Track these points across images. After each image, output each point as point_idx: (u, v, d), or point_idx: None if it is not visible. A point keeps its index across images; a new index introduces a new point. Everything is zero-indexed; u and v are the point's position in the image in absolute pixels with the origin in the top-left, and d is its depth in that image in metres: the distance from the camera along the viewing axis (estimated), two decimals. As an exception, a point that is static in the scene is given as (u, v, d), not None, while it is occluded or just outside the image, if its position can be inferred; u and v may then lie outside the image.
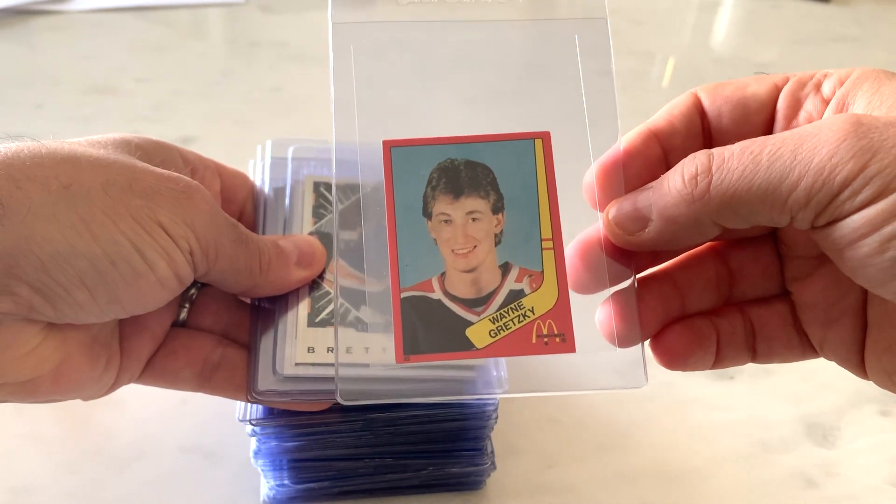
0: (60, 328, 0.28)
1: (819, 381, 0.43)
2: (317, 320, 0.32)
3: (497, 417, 0.34)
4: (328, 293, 0.33)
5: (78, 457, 0.36)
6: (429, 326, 0.27)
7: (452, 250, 0.27)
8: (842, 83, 0.26)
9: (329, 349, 0.31)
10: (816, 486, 0.37)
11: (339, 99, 0.28)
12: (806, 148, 0.23)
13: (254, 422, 0.32)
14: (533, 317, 0.27)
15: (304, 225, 0.36)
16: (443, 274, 0.27)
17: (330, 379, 0.31)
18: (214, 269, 0.30)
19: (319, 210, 0.36)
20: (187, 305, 0.34)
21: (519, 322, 0.27)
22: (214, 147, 0.61)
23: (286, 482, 0.33)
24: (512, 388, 0.31)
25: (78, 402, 0.32)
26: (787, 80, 0.27)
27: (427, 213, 0.28)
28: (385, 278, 0.27)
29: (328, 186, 0.37)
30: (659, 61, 0.85)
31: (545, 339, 0.27)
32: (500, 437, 0.37)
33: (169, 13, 0.88)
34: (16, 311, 0.26)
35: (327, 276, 0.34)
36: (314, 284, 0.33)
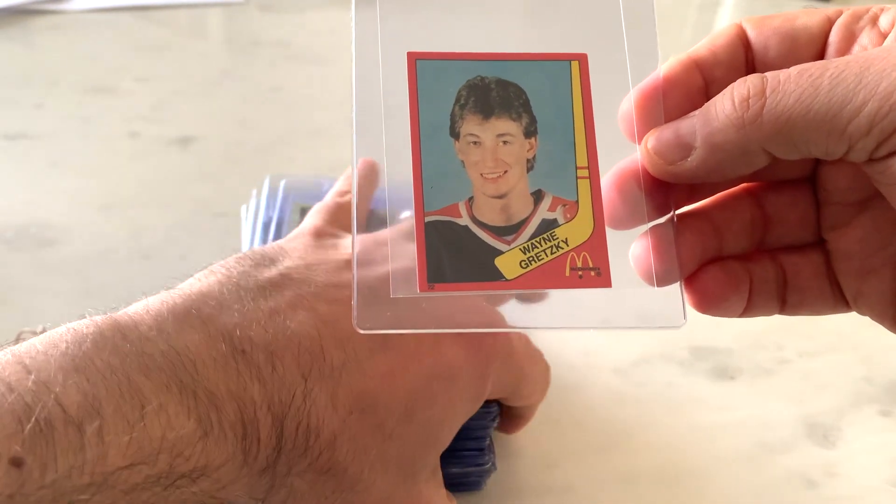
0: None
1: (819, 381, 0.43)
2: None
3: (498, 417, 0.34)
4: None
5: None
6: (455, 254, 0.25)
7: (481, 174, 0.26)
8: None
9: None
10: (817, 486, 0.37)
11: (360, 7, 0.26)
12: (873, 71, 0.21)
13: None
14: (567, 248, 0.25)
15: None
16: (470, 199, 0.25)
17: None
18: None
19: None
20: None
21: (552, 253, 0.25)
22: (214, 147, 0.61)
23: (286, 482, 0.33)
24: (542, 321, 0.29)
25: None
26: (840, 13, 0.25)
27: (454, 133, 0.26)
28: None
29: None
30: (659, 61, 0.85)
31: (579, 273, 0.25)
32: (500, 437, 0.37)
33: (169, 13, 0.88)
34: None
35: None
36: None
